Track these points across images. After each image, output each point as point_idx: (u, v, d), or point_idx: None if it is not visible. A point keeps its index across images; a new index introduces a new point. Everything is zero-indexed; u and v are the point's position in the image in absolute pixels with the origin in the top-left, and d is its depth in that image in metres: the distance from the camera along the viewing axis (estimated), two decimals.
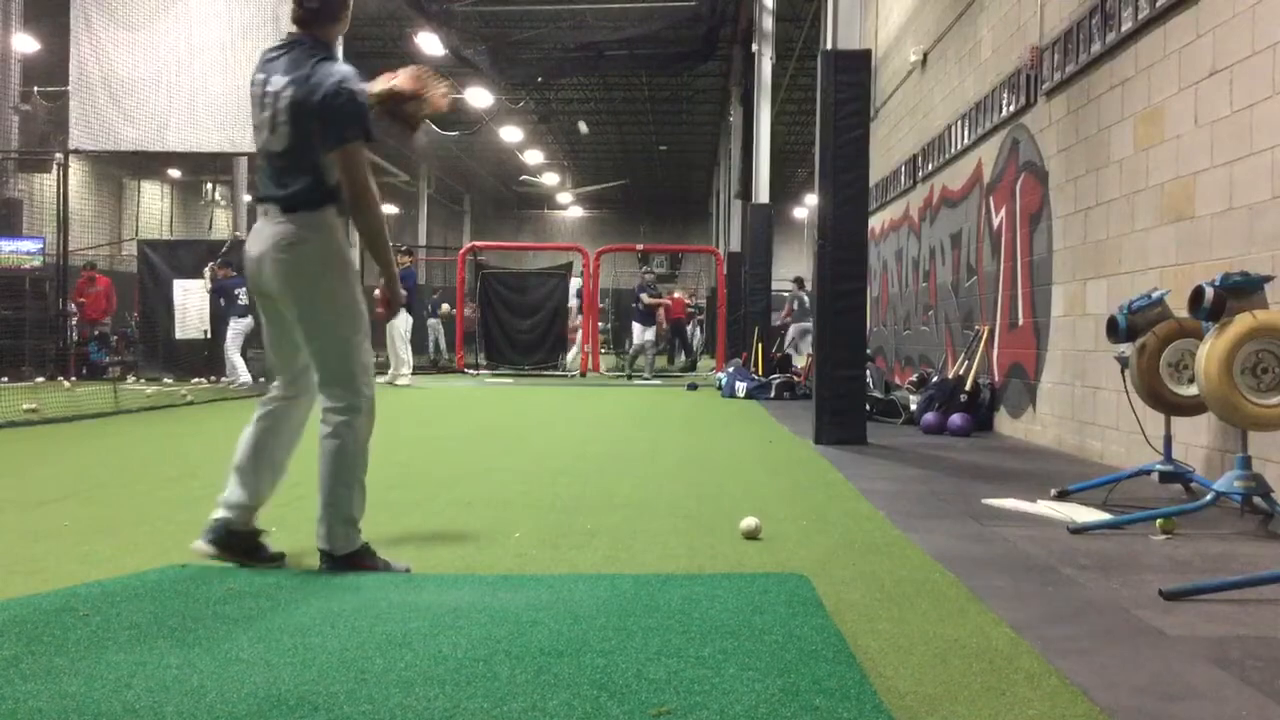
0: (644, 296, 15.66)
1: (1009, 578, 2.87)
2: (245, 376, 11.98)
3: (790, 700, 1.79)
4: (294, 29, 2.87)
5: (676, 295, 19.20)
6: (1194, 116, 4.72)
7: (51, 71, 16.90)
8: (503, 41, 18.68)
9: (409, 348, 13.32)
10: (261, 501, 2.88)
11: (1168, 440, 4.27)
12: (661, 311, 16.89)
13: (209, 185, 26.84)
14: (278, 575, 2.70)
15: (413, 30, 18.11)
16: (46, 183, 14.48)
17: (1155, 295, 4.21)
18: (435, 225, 35.17)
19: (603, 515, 3.79)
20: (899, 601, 2.55)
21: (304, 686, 1.83)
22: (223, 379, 12.32)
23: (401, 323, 12.91)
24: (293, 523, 3.58)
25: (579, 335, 17.01)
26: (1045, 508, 4.05)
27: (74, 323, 14.18)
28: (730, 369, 13.07)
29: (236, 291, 11.94)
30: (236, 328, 12.03)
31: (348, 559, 2.78)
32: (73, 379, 12.47)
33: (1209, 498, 3.62)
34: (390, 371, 13.05)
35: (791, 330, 17.31)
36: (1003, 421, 7.47)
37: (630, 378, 15.57)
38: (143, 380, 12.55)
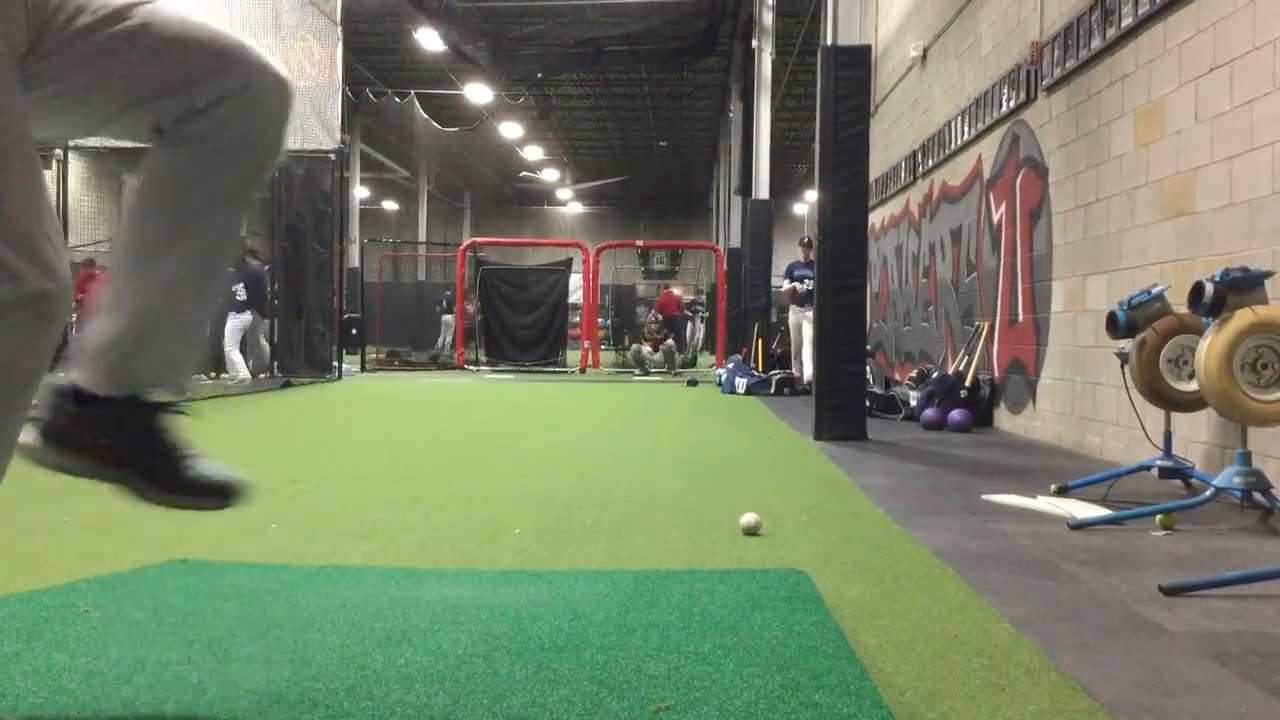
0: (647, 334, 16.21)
1: (1009, 573, 2.87)
2: (244, 373, 11.96)
3: (790, 696, 1.79)
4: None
5: (676, 292, 19.19)
6: (1194, 112, 4.71)
7: None
8: (502, 37, 18.65)
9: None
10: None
11: (1167, 436, 4.27)
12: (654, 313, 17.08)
13: None
14: (279, 571, 2.69)
15: (412, 26, 18.10)
16: (46, 180, 14.46)
17: (1155, 291, 4.21)
18: (435, 221, 35.18)
19: (602, 511, 3.79)
20: (899, 597, 2.56)
21: (304, 683, 1.83)
22: (222, 375, 12.31)
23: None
24: (293, 520, 3.58)
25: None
26: (1045, 503, 4.05)
27: (74, 319, 14.11)
28: (730, 365, 13.06)
29: (233, 288, 11.90)
30: (234, 324, 12.02)
31: None
32: None
33: (1209, 493, 3.62)
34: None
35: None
36: (1002, 417, 7.48)
37: (676, 373, 15.80)
38: None
